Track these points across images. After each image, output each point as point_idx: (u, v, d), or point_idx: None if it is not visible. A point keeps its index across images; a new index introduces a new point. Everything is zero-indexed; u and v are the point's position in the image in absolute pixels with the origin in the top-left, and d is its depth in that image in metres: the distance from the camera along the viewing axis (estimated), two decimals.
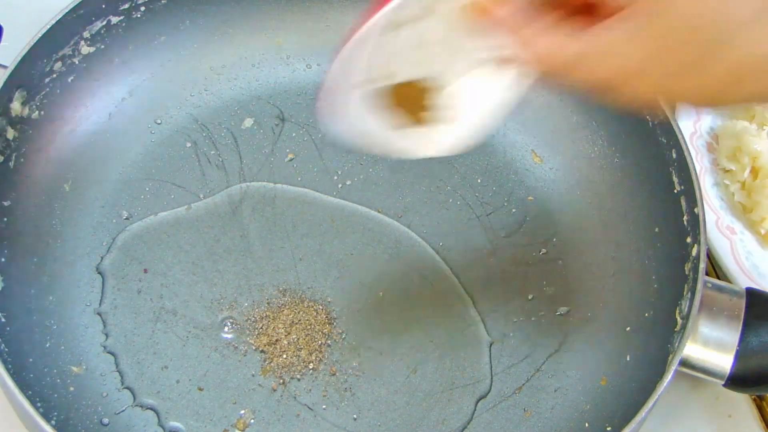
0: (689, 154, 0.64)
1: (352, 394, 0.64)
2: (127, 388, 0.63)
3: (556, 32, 0.45)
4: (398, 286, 0.68)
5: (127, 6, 0.71)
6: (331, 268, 0.69)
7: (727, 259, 0.71)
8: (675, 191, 0.64)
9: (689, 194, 0.63)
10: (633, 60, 0.43)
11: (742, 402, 0.68)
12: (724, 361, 0.59)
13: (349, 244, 0.70)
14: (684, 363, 0.59)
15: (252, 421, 0.63)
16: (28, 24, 0.70)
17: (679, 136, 0.64)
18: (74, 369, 0.63)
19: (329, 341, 0.66)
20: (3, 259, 0.64)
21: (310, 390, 0.64)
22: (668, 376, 0.57)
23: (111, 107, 0.73)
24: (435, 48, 0.51)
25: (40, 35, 0.66)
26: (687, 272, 0.61)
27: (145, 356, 0.64)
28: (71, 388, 0.62)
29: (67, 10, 0.67)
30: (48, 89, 0.68)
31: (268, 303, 0.67)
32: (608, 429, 0.60)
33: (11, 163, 0.66)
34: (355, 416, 0.63)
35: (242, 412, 0.63)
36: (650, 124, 0.67)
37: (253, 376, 0.64)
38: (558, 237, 0.71)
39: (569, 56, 0.44)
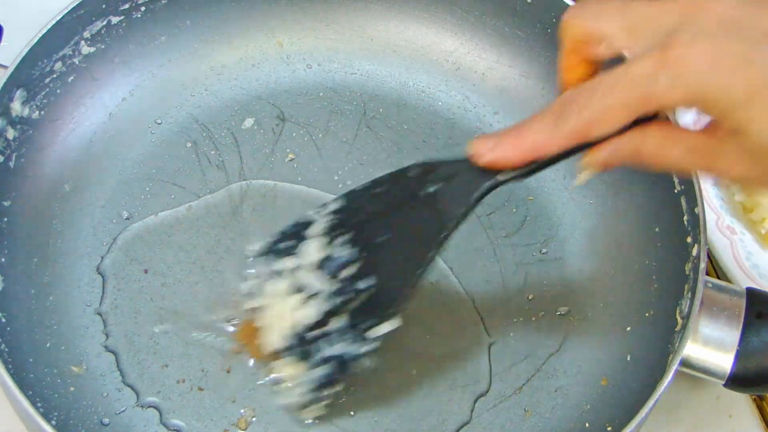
0: None
1: (350, 392, 0.64)
2: (128, 387, 0.63)
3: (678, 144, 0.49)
4: None
5: (127, 6, 0.71)
6: None
7: (727, 259, 0.71)
8: (675, 191, 0.64)
9: (689, 194, 0.63)
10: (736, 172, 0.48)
11: (742, 402, 0.68)
12: (724, 361, 0.59)
13: None
14: (684, 363, 0.59)
15: (253, 419, 0.63)
16: (28, 24, 0.70)
17: None
18: (74, 369, 0.63)
19: None
20: (3, 259, 0.64)
21: None
22: (668, 376, 0.57)
23: (111, 107, 0.73)
24: None
25: (40, 35, 0.66)
26: (687, 272, 0.61)
27: (146, 356, 0.64)
28: (71, 388, 0.62)
29: (67, 10, 0.67)
30: (48, 89, 0.69)
31: None
32: (608, 429, 0.60)
33: (11, 163, 0.66)
34: (352, 413, 0.63)
35: (243, 410, 0.63)
36: None
37: (253, 374, 0.64)
38: (558, 237, 0.71)
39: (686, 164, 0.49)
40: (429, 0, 0.77)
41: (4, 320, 0.61)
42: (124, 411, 0.62)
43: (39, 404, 0.57)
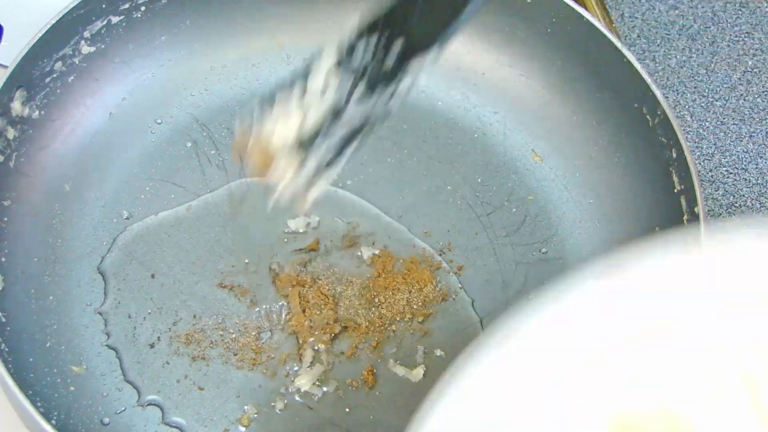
0: (689, 153, 0.64)
1: (350, 392, 0.64)
2: (129, 387, 0.63)
3: None
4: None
5: (127, 6, 0.71)
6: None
7: None
8: (675, 191, 0.65)
9: (689, 194, 0.63)
10: None
11: None
12: None
13: None
14: None
15: (255, 415, 0.63)
16: (28, 24, 0.70)
17: (680, 136, 0.64)
18: (74, 369, 0.63)
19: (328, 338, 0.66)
20: (3, 259, 0.64)
21: (309, 387, 0.64)
22: None
23: (111, 107, 0.73)
24: None
25: (40, 35, 0.66)
26: None
27: (146, 356, 0.64)
28: (72, 388, 0.62)
29: (67, 10, 0.67)
30: (48, 89, 0.69)
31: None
32: None
33: (11, 163, 0.66)
34: (352, 413, 0.63)
35: (246, 407, 0.63)
36: (650, 123, 0.67)
37: (253, 372, 0.64)
38: (558, 237, 0.71)
39: None
40: None
41: (4, 320, 0.61)
42: (124, 411, 0.62)
43: (39, 404, 0.57)
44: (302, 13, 0.78)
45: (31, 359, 0.62)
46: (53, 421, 0.58)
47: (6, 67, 0.65)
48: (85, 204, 0.70)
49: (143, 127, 0.74)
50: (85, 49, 0.70)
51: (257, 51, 0.78)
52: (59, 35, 0.68)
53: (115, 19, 0.71)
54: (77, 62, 0.70)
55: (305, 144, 0.54)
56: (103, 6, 0.70)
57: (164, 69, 0.75)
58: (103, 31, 0.71)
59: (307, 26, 0.78)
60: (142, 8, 0.72)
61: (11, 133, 0.66)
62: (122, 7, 0.71)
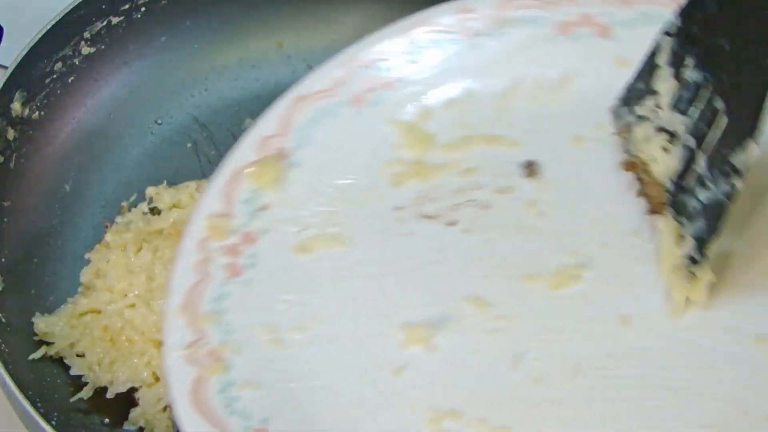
0: None
1: None
2: None
3: None
4: None
5: (127, 6, 0.71)
6: None
7: None
8: None
9: None
10: None
11: None
12: None
13: None
14: None
15: None
16: (28, 24, 0.71)
17: None
18: None
19: None
20: (3, 259, 0.64)
21: None
22: None
23: (111, 107, 0.73)
24: None
25: (40, 36, 0.66)
26: None
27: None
28: (71, 388, 0.62)
29: (67, 11, 0.68)
30: (48, 90, 0.69)
31: None
32: None
33: (11, 164, 0.67)
34: None
35: None
36: None
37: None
38: None
39: None
40: (429, 1, 0.77)
41: (4, 320, 0.61)
42: None
43: (39, 404, 0.57)
44: (302, 13, 0.78)
45: (31, 359, 0.62)
46: (53, 422, 0.58)
47: (6, 67, 0.65)
48: (85, 204, 0.70)
49: (143, 127, 0.74)
50: (85, 49, 0.70)
51: (257, 51, 0.78)
52: (59, 36, 0.68)
53: (115, 20, 0.71)
54: (77, 63, 0.70)
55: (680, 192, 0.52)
56: (103, 6, 0.70)
57: (164, 69, 0.75)
58: (103, 32, 0.71)
59: (307, 26, 0.78)
60: (142, 9, 0.72)
61: (11, 133, 0.66)
62: (122, 8, 0.71)
